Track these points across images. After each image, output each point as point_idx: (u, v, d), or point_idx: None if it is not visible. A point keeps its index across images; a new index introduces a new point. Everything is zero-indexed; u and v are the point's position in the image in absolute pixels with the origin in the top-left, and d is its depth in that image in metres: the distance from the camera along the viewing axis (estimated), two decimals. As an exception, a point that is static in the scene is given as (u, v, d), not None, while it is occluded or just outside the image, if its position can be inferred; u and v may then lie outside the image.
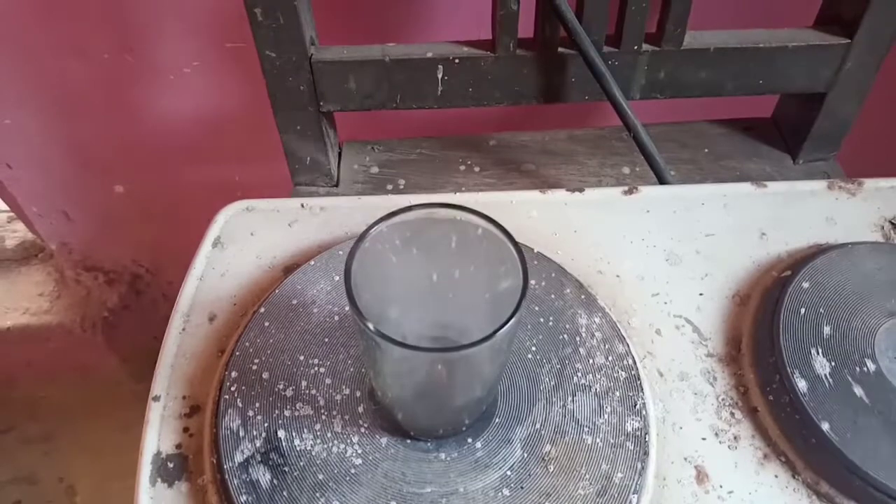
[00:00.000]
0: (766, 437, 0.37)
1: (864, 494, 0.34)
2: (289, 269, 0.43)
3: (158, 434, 0.37)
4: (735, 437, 0.37)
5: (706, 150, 0.57)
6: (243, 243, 0.44)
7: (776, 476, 0.36)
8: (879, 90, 0.52)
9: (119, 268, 0.84)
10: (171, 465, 0.36)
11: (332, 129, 0.55)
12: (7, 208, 0.77)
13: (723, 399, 0.38)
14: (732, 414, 0.38)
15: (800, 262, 0.43)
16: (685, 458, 0.37)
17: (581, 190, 0.47)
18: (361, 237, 0.30)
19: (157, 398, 0.38)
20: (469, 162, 0.56)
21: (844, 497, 0.35)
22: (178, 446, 0.37)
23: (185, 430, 0.37)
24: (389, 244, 0.32)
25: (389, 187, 0.55)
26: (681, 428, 0.37)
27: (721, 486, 0.36)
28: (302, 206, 0.46)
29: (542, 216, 0.46)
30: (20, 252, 0.84)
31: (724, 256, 0.44)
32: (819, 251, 0.43)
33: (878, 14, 0.47)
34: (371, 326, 0.27)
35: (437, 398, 0.32)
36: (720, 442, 0.37)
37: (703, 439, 0.37)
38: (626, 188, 0.47)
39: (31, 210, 0.76)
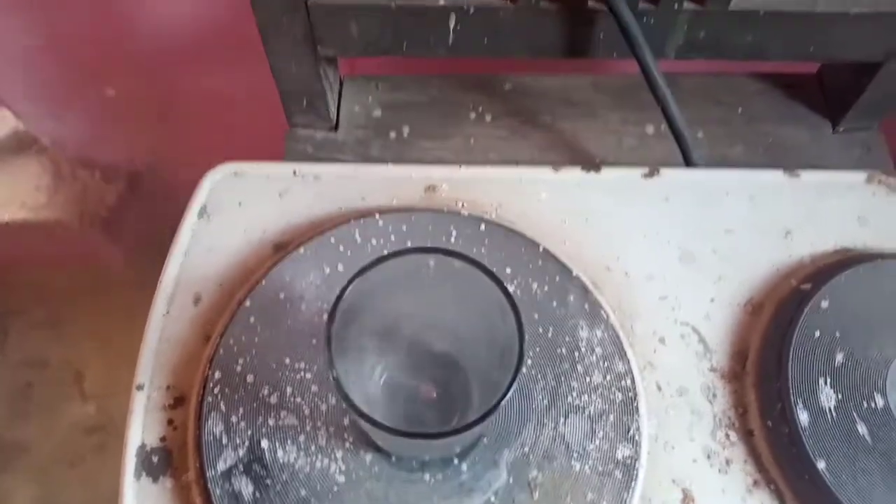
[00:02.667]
0: (759, 462, 0.36)
1: (849, 535, 0.34)
2: (278, 246, 0.41)
3: (143, 426, 0.36)
4: (727, 461, 0.37)
5: (740, 110, 0.52)
6: (230, 214, 0.42)
7: (763, 504, 0.36)
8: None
9: (115, 165, 0.81)
10: (155, 458, 0.36)
11: (332, 68, 0.50)
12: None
13: (719, 419, 0.37)
14: (727, 436, 0.37)
15: (822, 272, 0.40)
16: (673, 480, 0.36)
17: (597, 169, 0.43)
18: (341, 293, 0.27)
19: (140, 387, 0.37)
20: (481, 109, 0.52)
21: (829, 534, 0.35)
22: (163, 439, 0.36)
23: (170, 422, 0.37)
24: (377, 275, 0.29)
25: (393, 134, 0.51)
26: (673, 448, 0.37)
27: (706, 512, 0.36)
28: (294, 173, 0.43)
29: (552, 198, 0.42)
30: (13, 141, 0.81)
31: (741, 257, 0.41)
32: (845, 261, 0.40)
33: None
34: (357, 405, 0.25)
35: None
36: (711, 465, 0.36)
37: (695, 461, 0.36)
38: (645, 171, 0.43)
39: (18, 107, 0.72)
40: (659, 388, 0.38)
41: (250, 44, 0.58)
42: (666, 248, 0.41)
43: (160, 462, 0.36)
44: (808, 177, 0.43)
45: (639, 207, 0.42)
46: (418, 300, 0.32)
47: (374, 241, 0.38)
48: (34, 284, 0.95)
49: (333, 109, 0.51)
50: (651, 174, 0.43)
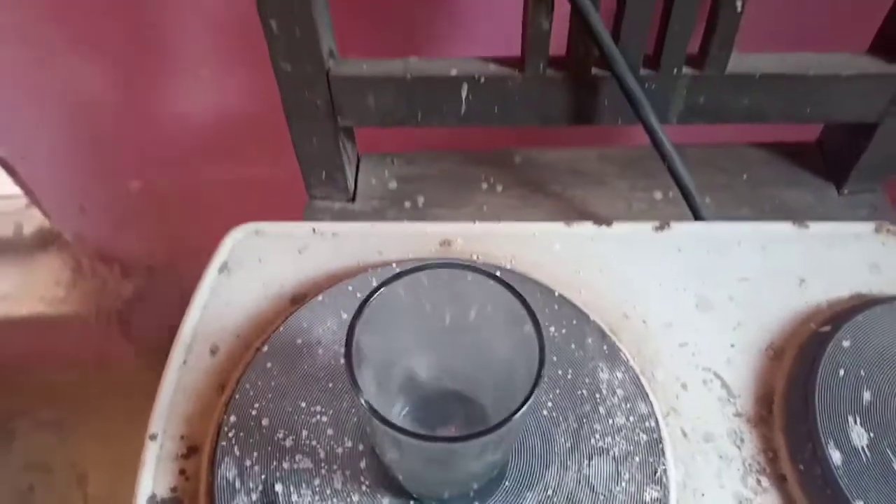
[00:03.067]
0: (795, 508, 0.35)
1: (897, 582, 0.32)
2: (296, 299, 0.41)
3: (154, 476, 0.35)
4: (761, 508, 0.35)
5: (745, 176, 0.53)
6: (250, 270, 0.42)
7: (802, 553, 0.34)
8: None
9: (134, 260, 0.83)
10: (165, 510, 0.35)
11: (351, 142, 0.53)
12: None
13: (749, 464, 0.36)
14: (759, 481, 0.36)
15: (840, 315, 0.40)
16: (706, 529, 0.34)
17: (609, 223, 0.44)
18: (362, 305, 0.27)
19: (153, 437, 0.36)
20: (492, 180, 0.54)
21: (875, 582, 0.32)
22: (174, 489, 0.35)
23: (182, 472, 0.36)
24: (397, 297, 0.30)
25: (408, 204, 0.53)
26: (703, 495, 0.35)
27: (742, 562, 0.34)
28: (313, 230, 0.44)
29: (565, 250, 0.43)
30: (38, 239, 0.83)
31: (758, 304, 0.41)
32: (862, 305, 0.40)
33: (941, 42, 0.44)
34: (365, 401, 0.25)
35: (442, 468, 0.30)
36: (745, 513, 0.35)
37: (727, 509, 0.35)
38: (656, 224, 0.44)
39: (46, 201, 0.75)
40: (684, 434, 0.37)
41: (272, 138, 0.61)
42: (682, 296, 0.41)
43: (170, 513, 0.34)
44: (817, 228, 0.44)
45: (652, 258, 0.43)
46: (434, 339, 0.32)
47: (386, 299, 0.39)
48: (43, 385, 0.94)
49: (351, 181, 0.53)
50: (662, 227, 0.44)
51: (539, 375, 0.25)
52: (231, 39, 0.62)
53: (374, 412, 0.25)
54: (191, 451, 0.36)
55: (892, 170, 0.51)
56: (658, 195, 0.52)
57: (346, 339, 0.26)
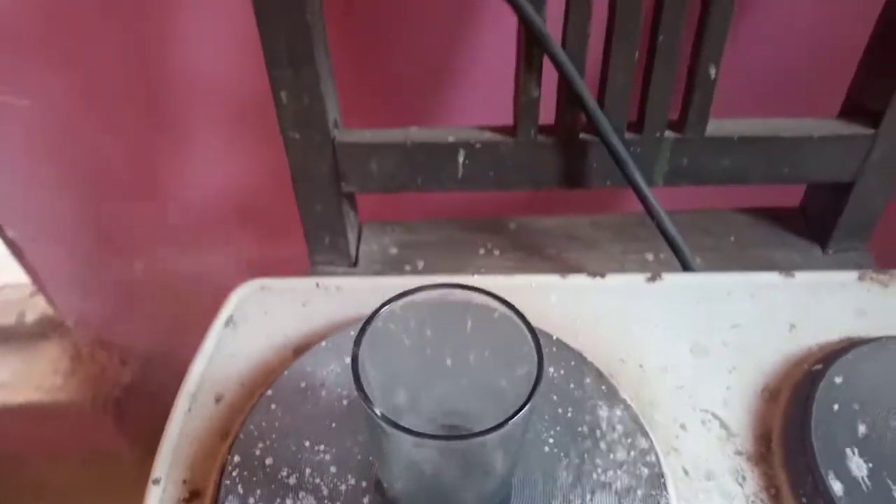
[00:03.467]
0: (801, 544, 0.34)
1: None
2: (299, 349, 0.42)
3: (155, 520, 0.35)
4: (768, 545, 0.35)
5: (732, 239, 0.56)
6: (256, 323, 0.44)
7: (813, 590, 0.33)
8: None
9: (134, 346, 0.83)
10: (164, 555, 0.34)
11: (353, 210, 0.55)
12: (29, 281, 0.78)
13: (752, 501, 0.36)
14: (764, 518, 0.35)
15: (831, 355, 0.41)
16: (713, 567, 0.34)
17: (602, 275, 0.46)
18: (371, 317, 0.29)
19: (157, 481, 0.36)
20: (489, 245, 0.56)
21: None
22: (174, 535, 0.35)
23: (183, 516, 0.35)
24: (401, 325, 0.31)
25: (408, 268, 0.54)
26: (708, 533, 0.35)
27: None
28: (317, 285, 0.45)
29: (561, 301, 0.45)
30: (39, 327, 0.84)
31: (751, 349, 0.42)
32: (851, 345, 0.41)
33: (904, 106, 0.47)
34: (378, 412, 0.25)
35: (446, 490, 0.30)
36: (751, 550, 0.34)
37: (733, 546, 0.34)
38: (649, 275, 0.46)
39: (51, 285, 0.76)
40: (686, 473, 0.37)
41: (276, 222, 0.64)
42: (676, 342, 0.42)
43: (170, 558, 0.34)
44: (803, 277, 0.46)
45: (645, 308, 0.44)
46: (442, 347, 0.33)
47: (392, 327, 0.40)
48: (35, 480, 0.92)
49: (353, 248, 0.55)
50: (654, 279, 0.46)
51: (539, 375, 0.26)
52: (236, 126, 0.66)
53: (386, 419, 0.25)
54: (193, 495, 0.36)
55: (872, 227, 0.53)
56: (650, 257, 0.54)
57: (353, 355, 0.27)
